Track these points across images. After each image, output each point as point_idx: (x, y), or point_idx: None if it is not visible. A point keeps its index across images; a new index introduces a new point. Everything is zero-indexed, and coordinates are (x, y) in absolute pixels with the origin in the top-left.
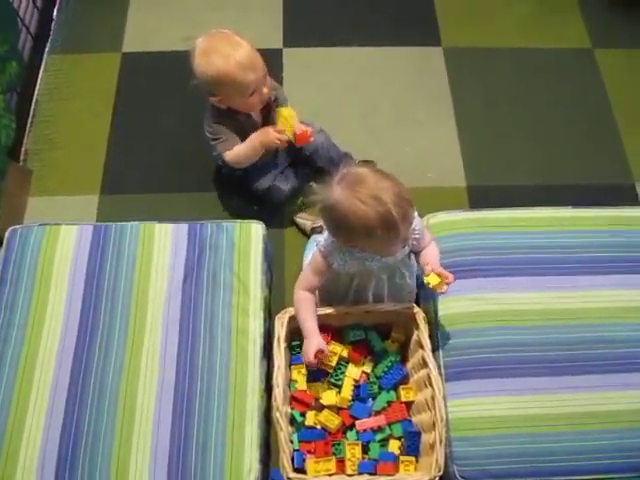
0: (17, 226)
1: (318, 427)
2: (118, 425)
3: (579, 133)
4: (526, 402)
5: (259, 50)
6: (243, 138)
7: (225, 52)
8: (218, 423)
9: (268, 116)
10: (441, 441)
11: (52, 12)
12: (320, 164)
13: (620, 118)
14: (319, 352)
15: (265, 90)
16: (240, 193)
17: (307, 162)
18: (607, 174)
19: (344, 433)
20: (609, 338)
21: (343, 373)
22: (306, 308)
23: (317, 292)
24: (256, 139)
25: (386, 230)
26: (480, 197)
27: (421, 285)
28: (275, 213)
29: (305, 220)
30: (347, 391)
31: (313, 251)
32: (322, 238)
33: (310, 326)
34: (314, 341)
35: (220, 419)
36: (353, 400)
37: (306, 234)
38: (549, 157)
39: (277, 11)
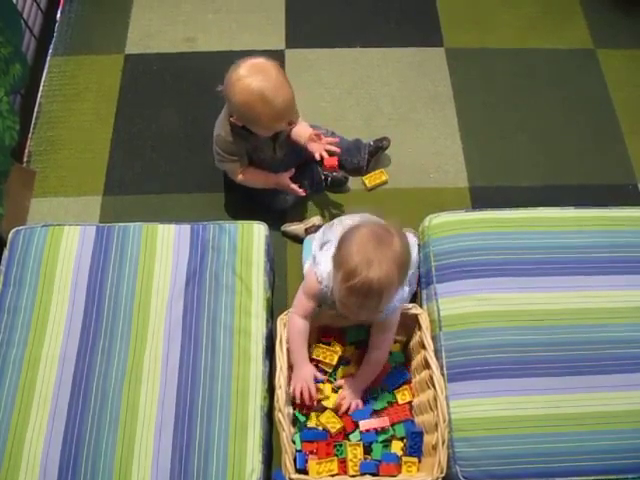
0: (20, 227)
1: (320, 428)
2: (120, 430)
3: (581, 133)
4: (529, 403)
5: (262, 51)
6: (253, 151)
7: (268, 97)
8: (221, 425)
9: (278, 132)
10: (443, 442)
11: (56, 14)
12: (338, 157)
13: (622, 118)
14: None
15: (285, 125)
16: (243, 194)
17: (320, 165)
18: (610, 174)
19: (346, 435)
20: (611, 339)
21: None
22: (299, 340)
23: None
24: (274, 179)
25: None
26: (482, 197)
27: (424, 285)
28: (277, 215)
29: (295, 226)
30: None
31: (307, 272)
32: (322, 267)
33: (299, 356)
34: (305, 369)
35: (223, 421)
36: None
37: (298, 239)
38: (551, 157)
39: (279, 12)
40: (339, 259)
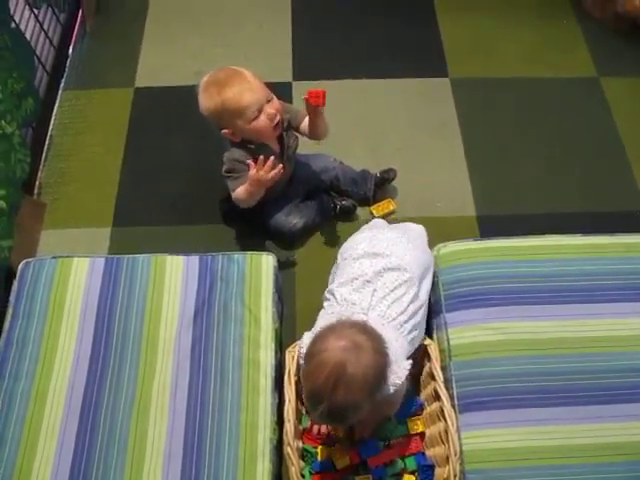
0: (30, 259)
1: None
2: (128, 462)
3: (587, 161)
4: (541, 433)
5: (269, 84)
6: None
7: (221, 83)
8: (229, 458)
9: (284, 143)
10: (455, 475)
11: (67, 50)
12: (344, 187)
13: (628, 145)
14: None
15: (270, 110)
16: (251, 224)
17: (328, 193)
18: (617, 201)
19: (356, 471)
20: (625, 367)
21: None
22: None
23: None
24: (252, 181)
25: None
26: (490, 226)
27: (434, 314)
28: (286, 245)
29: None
30: None
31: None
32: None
33: None
34: None
35: (231, 453)
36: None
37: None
38: (558, 185)
39: (286, 46)
40: (305, 371)
